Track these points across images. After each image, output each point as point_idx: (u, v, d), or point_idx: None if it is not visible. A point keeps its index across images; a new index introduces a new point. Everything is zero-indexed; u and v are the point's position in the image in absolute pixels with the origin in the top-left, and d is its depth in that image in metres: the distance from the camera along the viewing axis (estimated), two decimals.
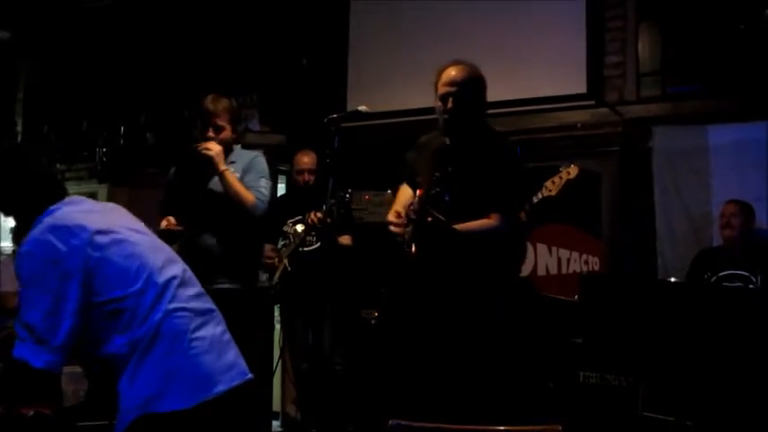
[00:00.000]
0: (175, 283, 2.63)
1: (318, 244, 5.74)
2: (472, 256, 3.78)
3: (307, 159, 6.04)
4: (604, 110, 6.51)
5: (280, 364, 5.92)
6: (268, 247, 6.07)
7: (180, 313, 2.58)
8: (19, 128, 9.03)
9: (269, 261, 6.04)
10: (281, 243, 5.94)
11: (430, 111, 6.32)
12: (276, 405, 6.90)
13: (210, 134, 4.60)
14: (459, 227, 3.72)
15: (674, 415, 4.19)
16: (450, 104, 3.93)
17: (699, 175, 6.17)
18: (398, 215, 3.82)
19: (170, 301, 2.58)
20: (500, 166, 3.88)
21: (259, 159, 4.74)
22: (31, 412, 3.81)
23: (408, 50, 6.99)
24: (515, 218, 4.18)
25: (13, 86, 9.14)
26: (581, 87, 6.43)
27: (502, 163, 3.91)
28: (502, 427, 2.35)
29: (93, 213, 2.68)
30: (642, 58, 6.55)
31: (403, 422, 2.33)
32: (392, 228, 3.84)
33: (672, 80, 6.45)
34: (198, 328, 2.61)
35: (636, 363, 4.44)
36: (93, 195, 8.73)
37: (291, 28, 7.68)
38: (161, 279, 2.60)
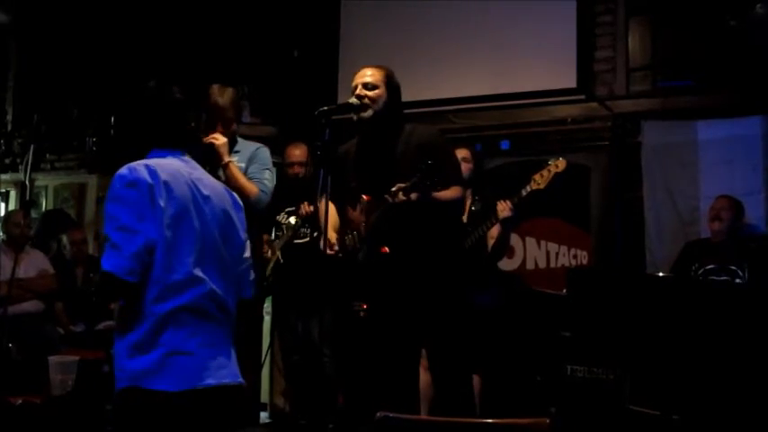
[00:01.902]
0: (206, 281, 2.65)
1: (312, 236, 5.75)
2: (438, 221, 4.18)
3: (297, 152, 6.04)
4: (594, 104, 6.53)
5: (269, 355, 5.93)
6: (263, 238, 6.08)
7: (202, 304, 2.61)
8: (9, 116, 9.00)
9: (262, 253, 6.05)
10: (274, 235, 5.94)
11: (421, 103, 6.42)
12: (264, 396, 6.91)
13: (220, 129, 4.49)
14: (436, 195, 4.02)
15: (660, 409, 4.22)
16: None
17: (688, 170, 6.19)
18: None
19: (195, 294, 2.60)
20: (445, 148, 4.31)
21: (263, 150, 4.69)
22: (20, 401, 3.81)
23: (399, 43, 6.99)
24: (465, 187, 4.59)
25: (4, 75, 9.11)
26: (571, 82, 6.44)
27: (445, 145, 4.35)
28: (489, 420, 2.36)
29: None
30: (632, 53, 6.57)
31: (391, 414, 2.34)
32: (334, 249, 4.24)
33: (662, 75, 6.48)
34: (211, 324, 2.64)
35: (623, 356, 4.46)
36: (82, 185, 8.72)
37: (282, 19, 7.67)
38: (198, 272, 2.62)
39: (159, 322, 2.52)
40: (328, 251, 4.16)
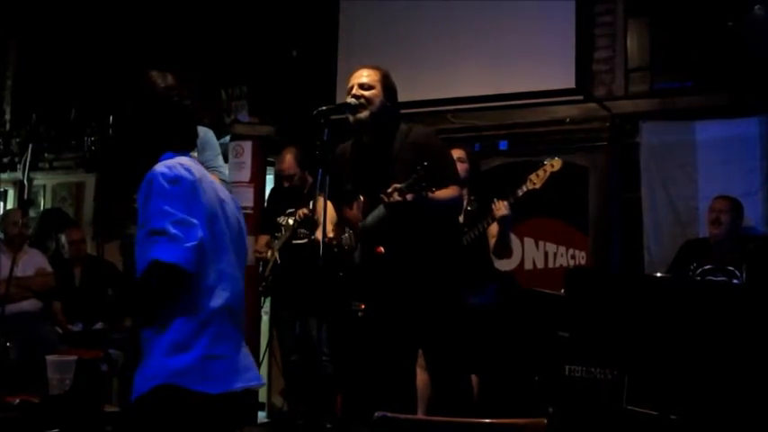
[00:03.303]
0: (240, 280, 2.69)
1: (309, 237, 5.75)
2: (434, 221, 4.19)
3: (284, 166, 5.99)
4: (593, 105, 6.52)
5: (267, 355, 5.92)
6: (263, 239, 6.08)
7: (234, 306, 2.63)
8: (8, 116, 9.00)
9: (260, 254, 6.05)
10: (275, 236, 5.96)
11: (419, 103, 6.42)
12: (263, 396, 6.91)
13: None
14: (433, 195, 4.01)
15: (658, 409, 4.22)
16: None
17: (686, 171, 6.19)
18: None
19: (233, 293, 2.62)
20: (441, 149, 4.31)
21: (210, 135, 4.56)
22: (17, 400, 3.81)
23: (397, 43, 6.99)
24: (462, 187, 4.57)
25: (2, 74, 9.11)
26: (570, 82, 6.43)
27: (440, 146, 4.35)
28: (487, 420, 2.36)
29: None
30: (631, 54, 6.57)
31: (388, 414, 2.34)
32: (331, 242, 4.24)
33: (660, 76, 6.48)
34: (238, 326, 2.66)
35: (621, 357, 4.46)
36: (80, 185, 8.73)
37: (281, 19, 7.67)
38: (236, 271, 2.66)
39: (204, 320, 2.52)
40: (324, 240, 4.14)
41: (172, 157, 2.62)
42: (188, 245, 2.44)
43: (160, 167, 2.53)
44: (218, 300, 2.55)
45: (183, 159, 2.62)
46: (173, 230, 2.44)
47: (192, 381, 2.47)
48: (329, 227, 4.23)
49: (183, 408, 2.47)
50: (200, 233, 2.47)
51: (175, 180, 2.50)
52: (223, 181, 4.26)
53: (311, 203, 4.86)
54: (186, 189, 2.50)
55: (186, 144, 2.73)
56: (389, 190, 3.91)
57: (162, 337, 2.50)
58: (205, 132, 4.41)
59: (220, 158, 4.54)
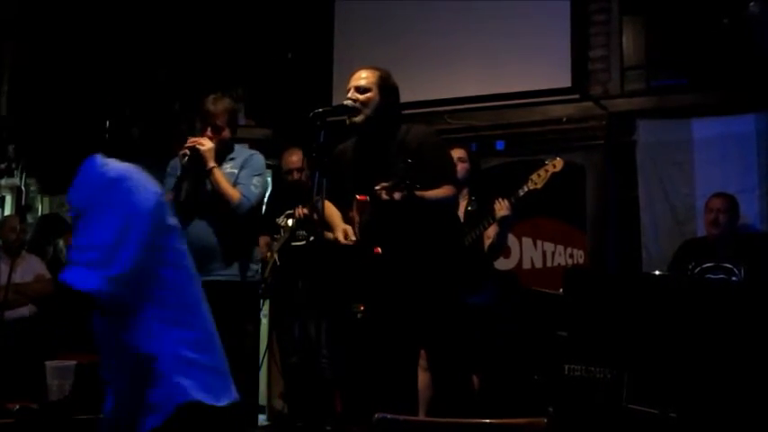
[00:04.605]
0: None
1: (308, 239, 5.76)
2: (432, 220, 4.16)
3: (294, 158, 6.03)
4: (589, 103, 6.53)
5: (266, 357, 5.92)
6: (262, 241, 6.08)
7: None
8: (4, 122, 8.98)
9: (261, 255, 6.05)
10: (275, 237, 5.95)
11: (416, 104, 6.42)
12: (262, 399, 6.91)
13: (209, 134, 4.74)
14: (423, 194, 3.98)
15: (658, 407, 4.22)
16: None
17: (683, 169, 6.20)
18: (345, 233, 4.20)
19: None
20: (437, 148, 4.29)
21: (256, 157, 4.90)
22: (17, 406, 3.80)
23: (393, 44, 6.99)
24: (458, 187, 4.55)
25: None
26: (566, 81, 6.45)
27: (437, 145, 4.32)
28: (487, 420, 2.36)
29: None
30: (626, 52, 6.58)
31: (389, 415, 2.34)
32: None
33: (656, 74, 6.49)
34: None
35: (620, 355, 4.46)
36: None
37: (277, 22, 7.67)
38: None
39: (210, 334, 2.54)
40: (345, 242, 4.17)
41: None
42: (109, 274, 2.37)
43: (108, 170, 2.48)
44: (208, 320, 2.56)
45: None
46: (98, 251, 2.38)
47: (207, 396, 2.46)
48: (343, 226, 4.25)
49: (204, 423, 2.47)
50: (131, 252, 2.39)
51: (121, 180, 2.45)
52: (244, 197, 4.74)
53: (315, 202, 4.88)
54: (134, 193, 2.45)
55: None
56: (377, 188, 3.90)
57: (176, 352, 2.46)
58: (252, 155, 4.95)
59: (254, 179, 4.84)
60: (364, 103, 4.16)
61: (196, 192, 4.72)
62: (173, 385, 2.44)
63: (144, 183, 2.45)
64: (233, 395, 2.56)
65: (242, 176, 4.77)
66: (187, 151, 4.67)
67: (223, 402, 2.49)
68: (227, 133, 4.81)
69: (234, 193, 4.66)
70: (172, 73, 7.50)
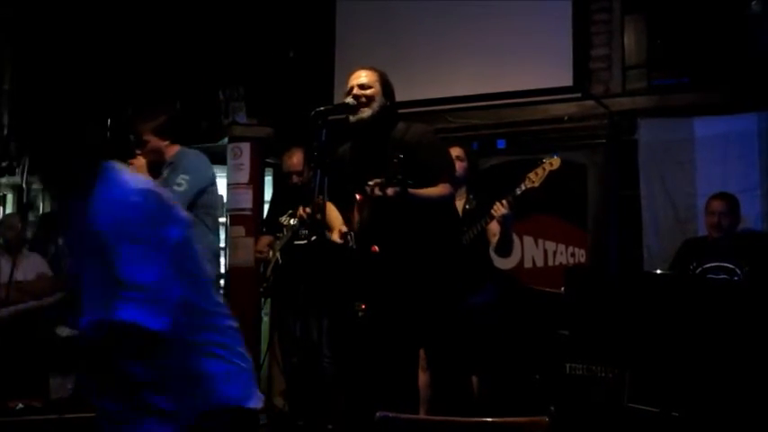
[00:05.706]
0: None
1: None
2: (430, 219, 4.15)
3: (294, 160, 6.00)
4: (590, 102, 6.52)
5: (267, 356, 5.92)
6: (265, 240, 6.08)
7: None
8: (5, 120, 8.99)
9: (261, 255, 6.05)
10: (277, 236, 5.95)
11: (417, 103, 6.41)
12: None
13: (138, 152, 4.95)
14: (417, 191, 3.98)
15: (659, 406, 4.22)
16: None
17: (684, 167, 6.19)
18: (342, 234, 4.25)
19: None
20: (435, 145, 4.29)
21: (186, 157, 5.03)
22: (20, 404, 3.81)
23: (395, 43, 6.99)
24: (456, 185, 4.55)
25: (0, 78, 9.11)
26: (567, 80, 6.44)
27: (434, 143, 4.33)
28: (489, 419, 2.36)
29: None
30: (628, 51, 6.57)
31: (390, 414, 2.34)
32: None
33: (657, 73, 6.48)
34: None
35: (622, 354, 4.46)
36: None
37: (278, 20, 7.67)
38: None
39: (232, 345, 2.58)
40: (340, 242, 4.20)
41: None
42: (171, 306, 2.45)
43: (134, 194, 2.49)
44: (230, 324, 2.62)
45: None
46: (154, 288, 2.43)
47: (246, 400, 2.55)
48: (342, 227, 4.27)
49: (242, 425, 2.53)
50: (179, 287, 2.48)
51: (155, 209, 2.50)
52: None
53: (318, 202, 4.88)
54: (164, 216, 2.51)
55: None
56: (369, 184, 3.89)
57: (209, 369, 2.52)
58: (183, 156, 5.04)
59: (179, 177, 4.90)
60: (369, 99, 4.17)
61: None
62: (208, 389, 2.50)
63: (170, 208, 2.50)
64: (259, 397, 2.60)
65: (170, 178, 4.86)
66: None
67: (252, 404, 2.52)
68: (152, 144, 4.95)
69: None
70: (172, 72, 7.51)
